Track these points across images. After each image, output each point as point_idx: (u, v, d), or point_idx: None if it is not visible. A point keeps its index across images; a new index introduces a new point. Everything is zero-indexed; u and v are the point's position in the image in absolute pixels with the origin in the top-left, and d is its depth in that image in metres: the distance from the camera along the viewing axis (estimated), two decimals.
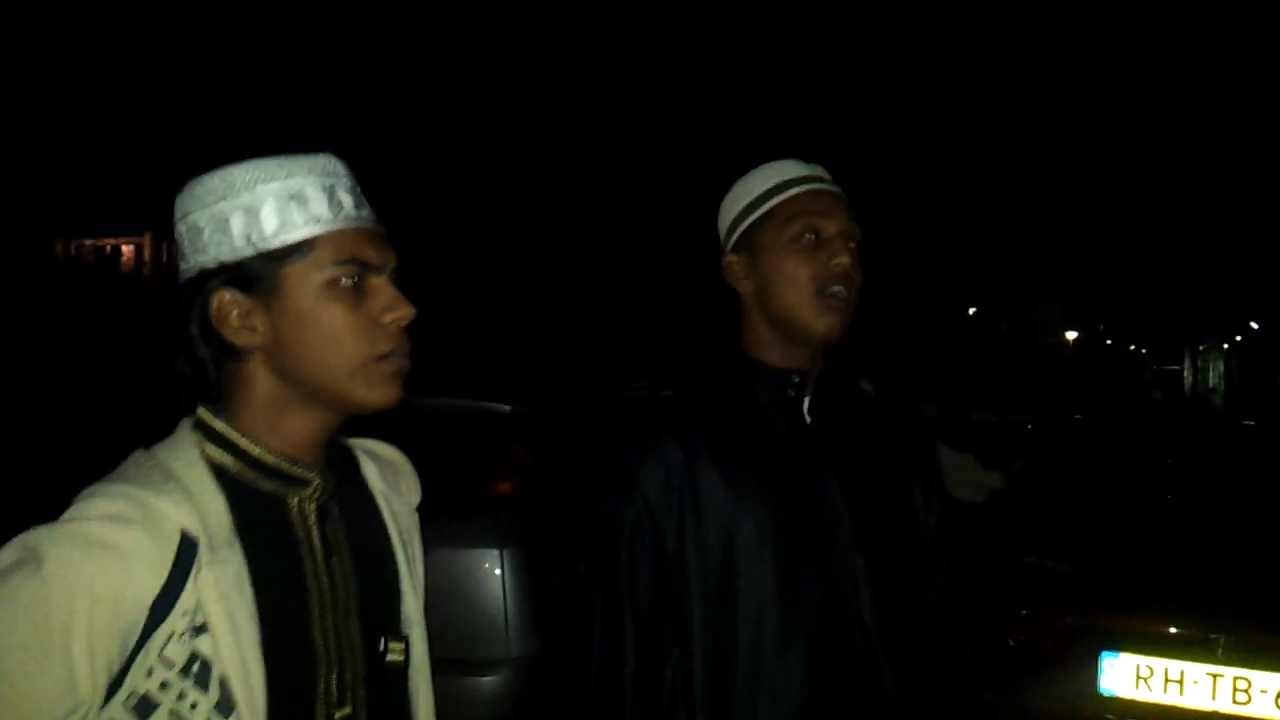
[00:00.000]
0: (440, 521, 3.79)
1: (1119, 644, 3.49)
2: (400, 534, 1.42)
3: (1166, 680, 3.42)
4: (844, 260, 1.68)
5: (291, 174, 1.27)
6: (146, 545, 1.16)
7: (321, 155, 1.31)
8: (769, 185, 1.76)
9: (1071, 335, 37.02)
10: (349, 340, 1.27)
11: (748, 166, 1.82)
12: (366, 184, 1.36)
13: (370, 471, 1.44)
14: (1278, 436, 5.22)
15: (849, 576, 1.66)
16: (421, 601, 1.44)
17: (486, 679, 3.72)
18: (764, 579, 1.63)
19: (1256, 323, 32.47)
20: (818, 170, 1.78)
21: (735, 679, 1.63)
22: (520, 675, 3.73)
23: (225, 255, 1.26)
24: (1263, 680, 3.31)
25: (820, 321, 1.69)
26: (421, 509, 4.10)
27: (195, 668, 1.17)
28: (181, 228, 1.29)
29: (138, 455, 1.27)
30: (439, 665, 3.86)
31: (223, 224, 1.25)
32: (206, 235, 1.26)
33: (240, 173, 1.27)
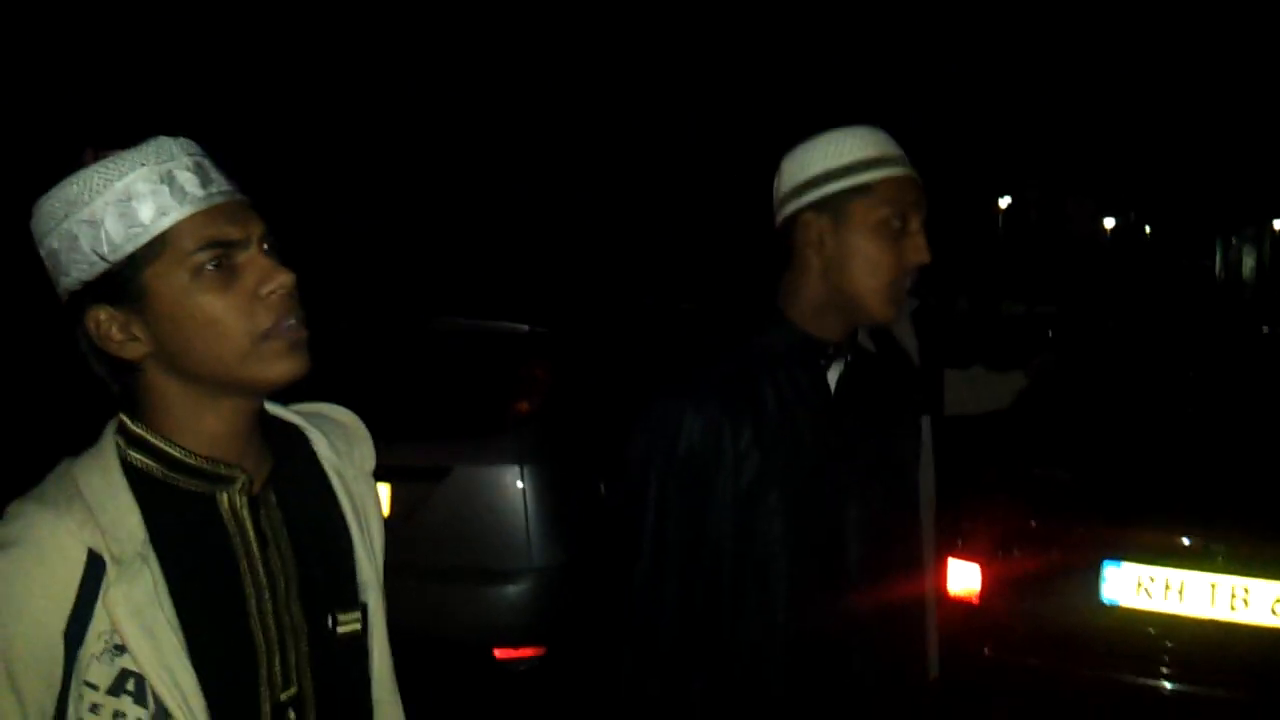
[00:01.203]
0: (463, 440, 3.97)
1: (1121, 554, 3.58)
2: (353, 501, 1.41)
3: (1167, 589, 3.52)
4: (926, 259, 1.71)
5: (123, 174, 1.21)
6: (45, 577, 1.16)
7: (152, 142, 1.24)
8: (866, 155, 1.72)
9: (1109, 223, 36.52)
10: (229, 324, 1.22)
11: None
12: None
13: (319, 444, 1.41)
14: None
15: (841, 533, 1.76)
16: (380, 566, 1.43)
17: (510, 587, 3.89)
18: (771, 550, 1.72)
19: None
20: (902, 153, 1.77)
21: (722, 612, 1.74)
22: (542, 583, 3.90)
23: (85, 274, 1.21)
24: (1260, 588, 3.41)
25: (885, 310, 1.73)
26: (448, 428, 4.20)
27: (130, 684, 1.17)
28: (42, 253, 1.25)
29: (60, 467, 1.27)
30: (466, 574, 4.04)
31: (73, 243, 1.21)
32: (63, 257, 1.22)
33: (75, 187, 1.22)
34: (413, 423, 3.92)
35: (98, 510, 1.19)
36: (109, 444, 1.26)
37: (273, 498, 1.32)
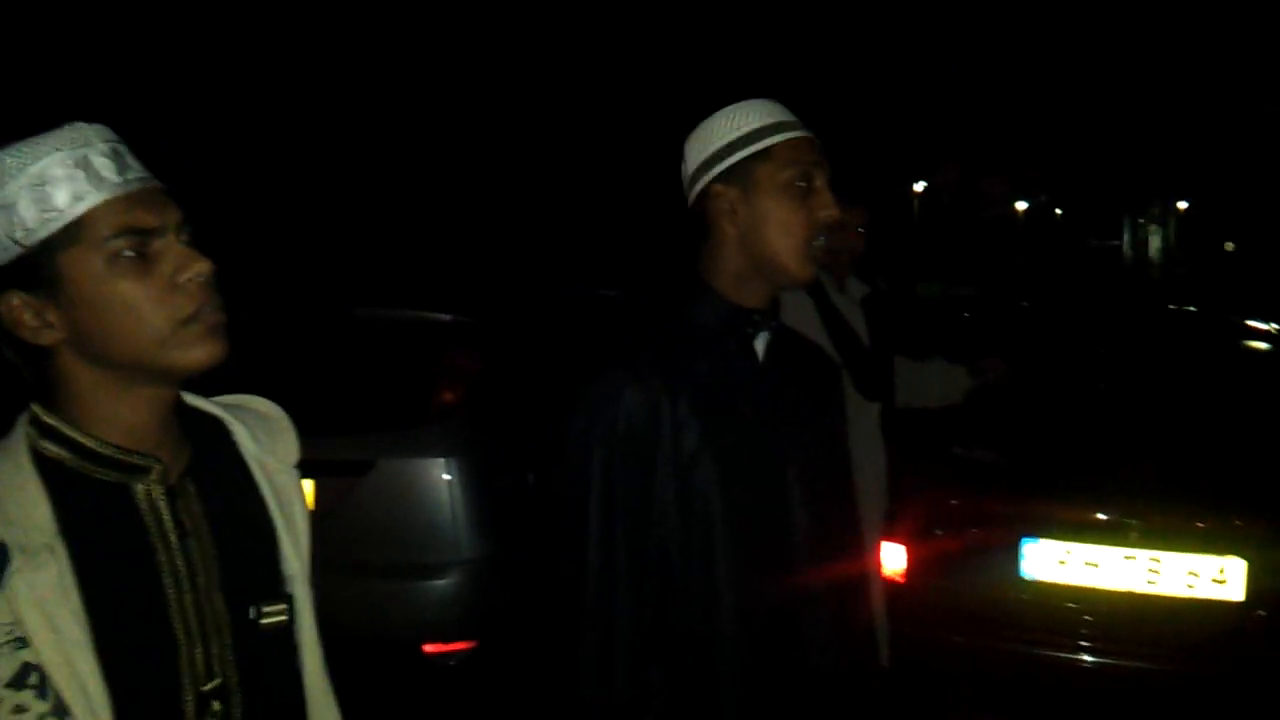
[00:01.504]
0: (388, 432, 3.92)
1: (1039, 530, 3.66)
2: (275, 494, 1.40)
3: (1085, 564, 3.61)
4: (833, 214, 1.74)
5: (38, 157, 1.20)
6: None
7: (68, 127, 1.23)
8: (764, 122, 1.77)
9: (1021, 206, 37.30)
10: (147, 311, 1.21)
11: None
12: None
13: (240, 435, 1.40)
14: (1210, 324, 5.39)
15: (783, 501, 1.78)
16: (305, 558, 1.41)
17: (438, 581, 3.85)
18: (713, 516, 1.74)
19: (1186, 201, 32.88)
20: (796, 118, 1.81)
21: (683, 602, 1.75)
22: (471, 576, 3.87)
23: None
24: (1172, 561, 3.52)
25: (803, 270, 1.76)
26: (371, 420, 4.13)
27: (32, 678, 1.15)
28: None
29: None
30: (393, 569, 3.99)
31: None
32: None
33: None
34: (335, 416, 3.85)
35: (4, 500, 1.18)
36: (19, 435, 1.25)
37: (191, 488, 1.30)
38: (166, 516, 1.27)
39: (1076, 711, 3.68)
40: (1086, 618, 3.60)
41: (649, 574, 1.74)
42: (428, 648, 3.83)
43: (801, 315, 3.22)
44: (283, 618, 1.34)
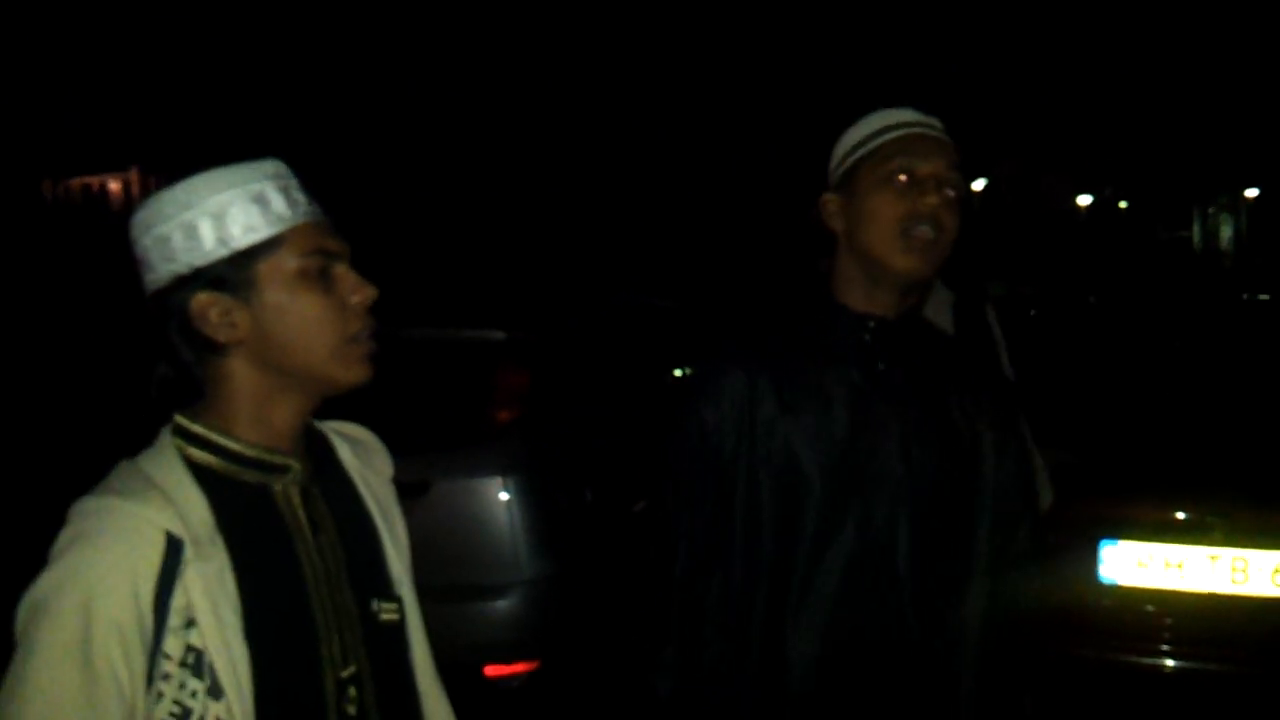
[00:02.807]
0: (444, 453, 3.88)
1: (1118, 532, 3.54)
2: (378, 505, 1.51)
3: (1166, 565, 3.48)
4: (931, 200, 1.67)
5: (249, 179, 1.35)
6: (135, 553, 1.26)
7: (270, 160, 1.40)
8: (876, 128, 1.76)
9: (1084, 201, 36.64)
10: (325, 323, 1.35)
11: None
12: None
13: (344, 452, 1.52)
14: None
15: (889, 522, 1.68)
16: (407, 563, 1.53)
17: (499, 602, 3.81)
18: (804, 513, 1.69)
19: (1256, 189, 32.01)
20: (930, 119, 1.78)
21: (755, 601, 1.71)
22: (532, 596, 3.81)
23: (198, 260, 1.33)
24: (1259, 559, 3.37)
25: (901, 259, 1.69)
26: (425, 441, 4.13)
27: (191, 659, 1.27)
28: (146, 241, 1.36)
29: (122, 465, 1.35)
30: (452, 591, 3.96)
31: (192, 231, 1.33)
32: (176, 243, 1.34)
33: (202, 183, 1.35)
34: (389, 438, 3.81)
35: (172, 497, 1.29)
36: (167, 444, 1.36)
37: (318, 490, 1.42)
38: (302, 514, 1.38)
39: (1159, 718, 3.56)
40: (1168, 621, 3.48)
41: (735, 579, 1.73)
42: (489, 670, 3.78)
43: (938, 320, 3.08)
44: (396, 616, 1.45)
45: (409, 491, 3.77)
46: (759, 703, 1.72)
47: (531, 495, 3.84)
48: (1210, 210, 31.46)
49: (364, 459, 1.53)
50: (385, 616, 1.44)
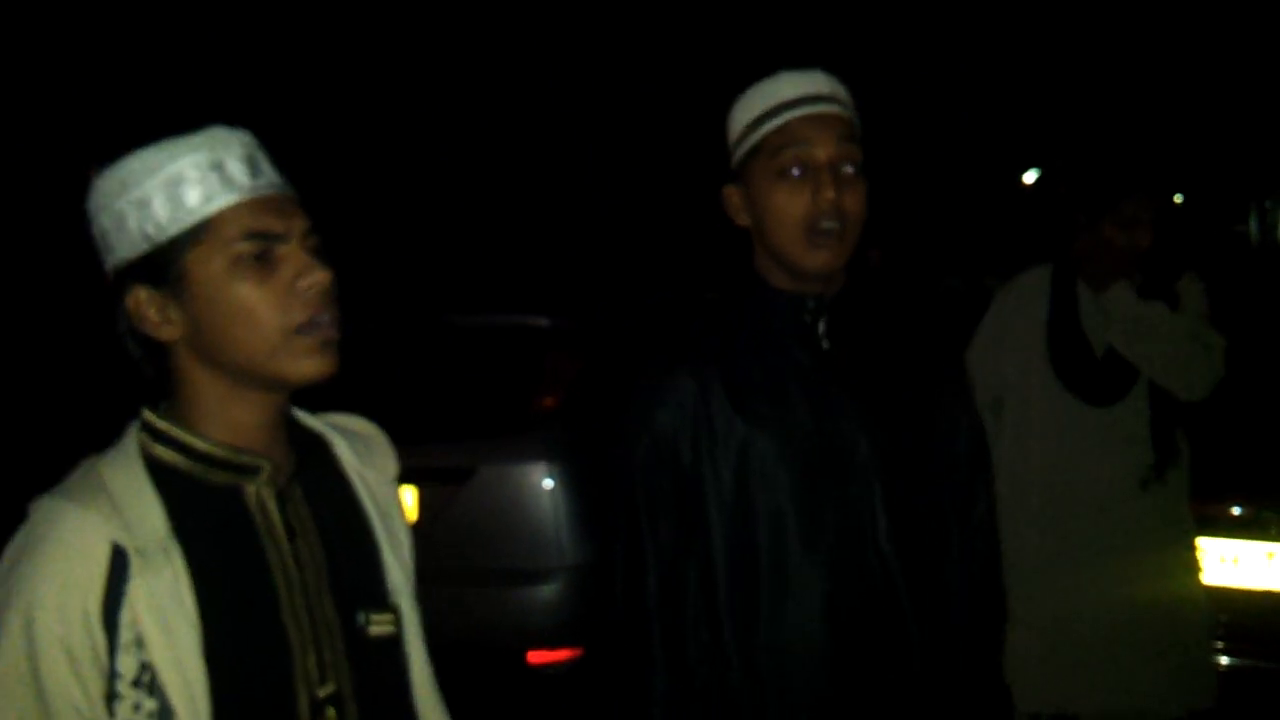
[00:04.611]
0: (489, 440, 3.89)
1: None
2: (377, 507, 1.41)
3: (1221, 561, 3.41)
4: (828, 195, 1.61)
5: (174, 157, 1.24)
6: (77, 567, 1.18)
7: (206, 131, 1.27)
8: (759, 111, 1.69)
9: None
10: (263, 315, 1.23)
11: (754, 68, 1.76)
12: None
13: (341, 449, 1.42)
14: None
15: (865, 500, 1.66)
16: (409, 571, 1.43)
17: (543, 588, 3.81)
18: (780, 502, 1.65)
19: None
20: (813, 84, 1.69)
21: (759, 596, 1.66)
22: (575, 583, 3.81)
23: (129, 253, 1.25)
24: None
25: (810, 259, 1.65)
26: (471, 428, 4.11)
27: (146, 677, 1.18)
28: (94, 230, 1.28)
29: (84, 464, 1.28)
30: (496, 577, 3.95)
31: (121, 222, 1.24)
32: (112, 235, 1.26)
33: (128, 168, 1.25)
34: (434, 423, 3.84)
35: (121, 504, 1.21)
36: (131, 440, 1.28)
37: (299, 492, 1.32)
38: (276, 518, 1.28)
39: (1211, 716, 3.49)
40: (1223, 618, 3.40)
41: (692, 563, 1.68)
42: (533, 656, 3.79)
43: (1031, 309, 3.00)
44: (390, 628, 1.35)
45: (454, 477, 3.84)
46: (763, 707, 1.67)
47: (575, 481, 3.84)
48: (1268, 204, 30.88)
49: (364, 457, 1.44)
50: (376, 629, 1.33)
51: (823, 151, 1.63)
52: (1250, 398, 4.08)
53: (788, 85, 1.69)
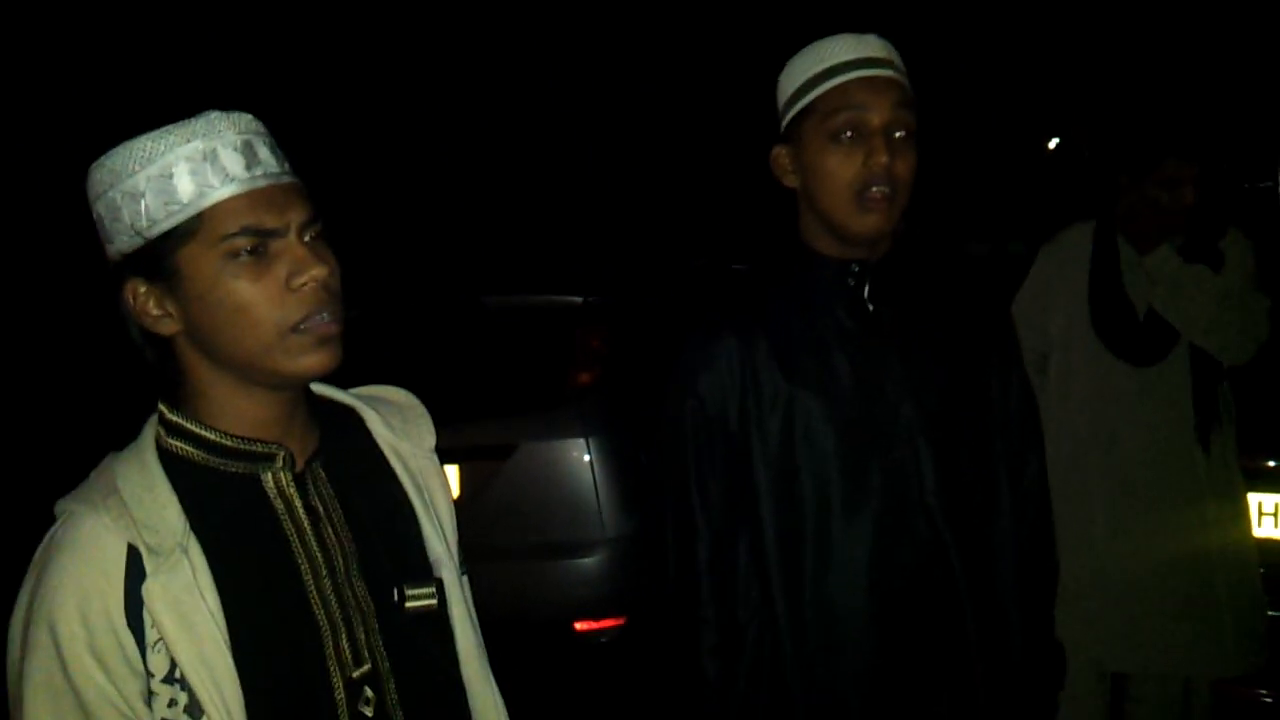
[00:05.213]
0: (527, 415, 3.96)
1: None
2: (412, 479, 1.38)
3: (1260, 514, 3.42)
4: (881, 160, 1.61)
5: (167, 147, 1.18)
6: (95, 571, 1.17)
7: (201, 116, 1.21)
8: (814, 72, 1.67)
9: None
10: (258, 313, 1.19)
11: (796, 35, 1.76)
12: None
13: (373, 422, 1.39)
14: None
15: (912, 459, 1.67)
16: (453, 541, 1.41)
17: (586, 560, 3.88)
18: (826, 462, 1.67)
19: None
20: (869, 48, 1.67)
21: (804, 556, 1.68)
22: (617, 554, 3.87)
23: (124, 246, 1.21)
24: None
25: (859, 223, 1.65)
26: (510, 405, 4.17)
27: (178, 673, 1.17)
28: (94, 218, 1.24)
29: (103, 462, 1.26)
30: (541, 550, 4.02)
31: (115, 213, 1.20)
32: (108, 225, 1.22)
33: (121, 158, 1.20)
34: (474, 402, 3.91)
35: (133, 504, 1.18)
36: (148, 435, 1.27)
37: (321, 473, 1.30)
38: (297, 503, 1.26)
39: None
40: (1264, 571, 3.40)
41: (732, 548, 1.71)
42: (579, 626, 3.86)
43: (1074, 268, 3.01)
44: (430, 601, 1.31)
45: (495, 454, 3.91)
46: (810, 665, 1.69)
47: (613, 455, 3.90)
48: None
49: (399, 429, 1.41)
50: (414, 604, 1.30)
51: (878, 116, 1.63)
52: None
53: (844, 47, 1.67)
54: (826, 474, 1.67)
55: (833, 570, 1.67)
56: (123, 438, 1.31)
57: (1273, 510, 3.40)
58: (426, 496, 1.39)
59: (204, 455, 1.24)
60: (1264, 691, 3.35)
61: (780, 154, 1.74)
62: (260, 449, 1.25)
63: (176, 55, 10.26)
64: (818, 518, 1.67)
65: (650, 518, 1.81)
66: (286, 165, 1.25)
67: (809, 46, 1.71)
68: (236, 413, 1.25)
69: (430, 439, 1.43)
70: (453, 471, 3.90)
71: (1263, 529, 3.38)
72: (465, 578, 1.42)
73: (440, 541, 1.37)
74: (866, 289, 1.72)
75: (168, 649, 1.16)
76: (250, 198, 1.18)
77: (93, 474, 1.25)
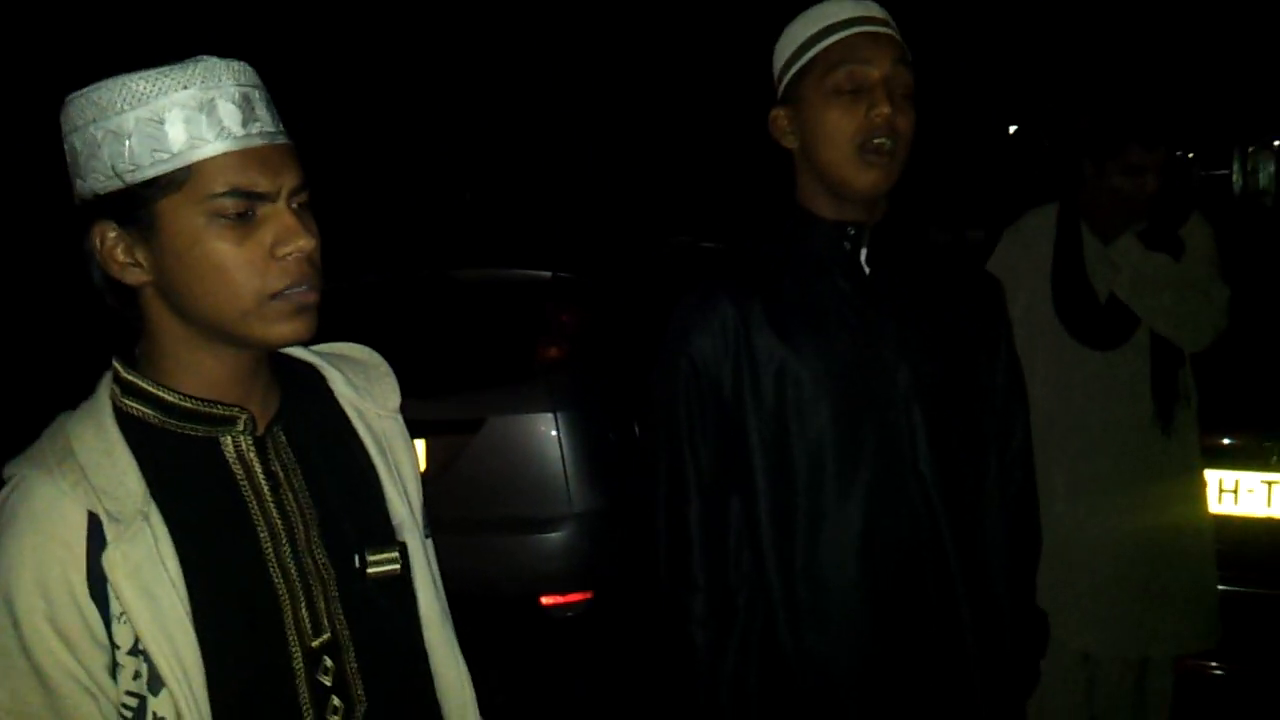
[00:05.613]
0: (495, 389, 3.94)
1: None
2: (377, 441, 1.34)
3: (1220, 490, 3.47)
4: (884, 111, 1.60)
5: (161, 90, 1.11)
6: (53, 541, 1.12)
7: (199, 62, 1.14)
8: (813, 31, 1.67)
9: None
10: (237, 277, 1.14)
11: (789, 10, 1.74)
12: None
13: (336, 381, 1.35)
14: None
15: (906, 426, 1.67)
16: (416, 505, 1.37)
17: (552, 535, 3.87)
18: (820, 427, 1.66)
19: None
20: (868, 8, 1.67)
21: (796, 523, 1.67)
22: (584, 529, 3.88)
23: (99, 186, 1.13)
24: None
25: (861, 178, 1.64)
26: (478, 379, 4.16)
27: (141, 645, 1.13)
28: (65, 148, 1.17)
29: (55, 423, 1.21)
30: (508, 524, 4.02)
31: (94, 149, 1.13)
32: (82, 161, 1.14)
33: (108, 92, 1.12)
34: (443, 376, 3.89)
35: (91, 470, 1.13)
36: (103, 395, 1.21)
37: (282, 437, 1.26)
38: (257, 467, 1.22)
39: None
40: (1218, 549, 3.47)
41: (724, 511, 1.71)
42: (545, 600, 3.86)
43: (1036, 251, 3.02)
44: (394, 566, 1.28)
45: (463, 428, 3.89)
46: (800, 632, 1.68)
47: (581, 430, 3.90)
48: (1251, 149, 30.91)
49: (362, 388, 1.36)
50: (377, 569, 1.26)
51: (878, 69, 1.62)
52: (1246, 333, 4.14)
53: (843, 7, 1.67)
54: (820, 439, 1.66)
55: (825, 535, 1.67)
56: (69, 393, 1.25)
57: (1233, 487, 3.46)
58: (390, 458, 1.34)
59: (161, 417, 1.19)
60: (1215, 664, 3.42)
61: (779, 115, 1.73)
62: (220, 411, 1.21)
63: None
64: (810, 483, 1.67)
65: (638, 482, 1.78)
66: (281, 125, 1.19)
67: (806, 11, 1.70)
68: (198, 370, 1.20)
69: (395, 398, 1.39)
70: (420, 445, 3.88)
71: (1222, 505, 3.44)
72: (430, 541, 1.39)
73: (404, 504, 1.33)
74: (864, 252, 1.72)
75: (130, 620, 1.12)
76: (244, 156, 1.13)
77: (44, 435, 1.19)
